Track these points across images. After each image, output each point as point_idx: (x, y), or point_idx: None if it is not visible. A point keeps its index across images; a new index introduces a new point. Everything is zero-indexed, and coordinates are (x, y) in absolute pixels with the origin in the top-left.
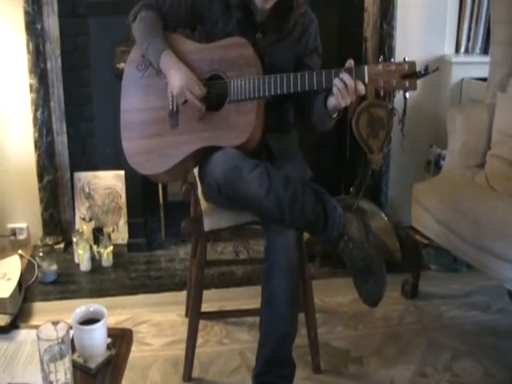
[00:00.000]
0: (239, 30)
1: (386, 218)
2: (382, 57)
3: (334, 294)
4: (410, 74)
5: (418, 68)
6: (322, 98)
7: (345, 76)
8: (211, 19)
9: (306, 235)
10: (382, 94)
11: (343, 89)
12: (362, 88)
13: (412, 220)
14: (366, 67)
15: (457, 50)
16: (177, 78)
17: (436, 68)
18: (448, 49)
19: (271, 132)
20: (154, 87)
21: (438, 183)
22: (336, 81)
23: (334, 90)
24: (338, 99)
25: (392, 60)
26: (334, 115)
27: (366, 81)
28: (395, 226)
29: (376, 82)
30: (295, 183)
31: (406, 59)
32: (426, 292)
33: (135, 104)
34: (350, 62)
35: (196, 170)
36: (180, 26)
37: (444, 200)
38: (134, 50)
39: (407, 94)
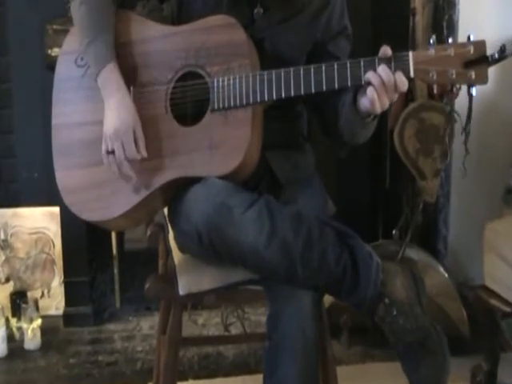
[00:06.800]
0: (229, 1)
1: (445, 274)
2: (434, 37)
3: None
4: (478, 60)
5: (490, 50)
6: (350, 95)
7: (381, 68)
8: None
9: (327, 298)
10: (436, 91)
11: (380, 86)
12: (403, 82)
13: (485, 276)
14: (410, 54)
15: None
16: (115, 114)
17: None
18: None
19: (275, 149)
20: None
21: None
22: (370, 75)
23: (369, 91)
24: (371, 101)
25: (450, 41)
26: (369, 119)
27: (412, 74)
28: (459, 284)
29: (426, 74)
30: (310, 223)
31: (471, 38)
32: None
33: (74, 116)
34: (386, 50)
35: (166, 209)
36: None
37: None
38: (70, 35)
39: (473, 90)
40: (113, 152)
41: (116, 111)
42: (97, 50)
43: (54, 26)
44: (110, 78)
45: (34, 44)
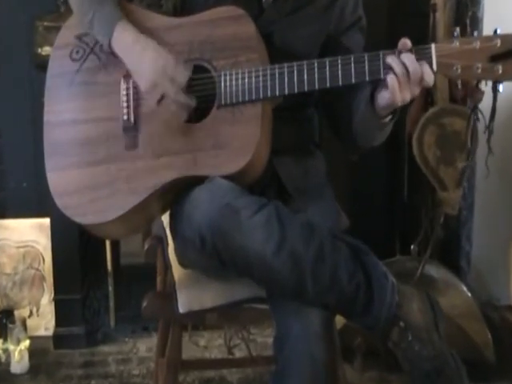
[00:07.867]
0: None
1: (468, 293)
2: (458, 29)
3: None
4: (505, 54)
5: None
6: (367, 93)
7: (406, 56)
8: None
9: (339, 320)
10: (459, 86)
11: (403, 75)
12: (429, 74)
13: (511, 295)
14: (433, 46)
15: None
16: (145, 61)
17: None
18: None
19: (283, 155)
20: (99, 86)
21: None
22: (391, 60)
23: (390, 78)
24: (393, 92)
25: (475, 34)
26: (387, 119)
27: (435, 67)
28: (483, 304)
29: (450, 68)
30: (322, 235)
31: (498, 31)
32: None
33: (68, 113)
34: (405, 42)
35: (166, 218)
36: None
37: None
38: (64, 28)
39: (500, 87)
40: (161, 99)
41: (143, 59)
42: (103, 16)
43: (45, 23)
44: (125, 33)
45: (22, 42)
